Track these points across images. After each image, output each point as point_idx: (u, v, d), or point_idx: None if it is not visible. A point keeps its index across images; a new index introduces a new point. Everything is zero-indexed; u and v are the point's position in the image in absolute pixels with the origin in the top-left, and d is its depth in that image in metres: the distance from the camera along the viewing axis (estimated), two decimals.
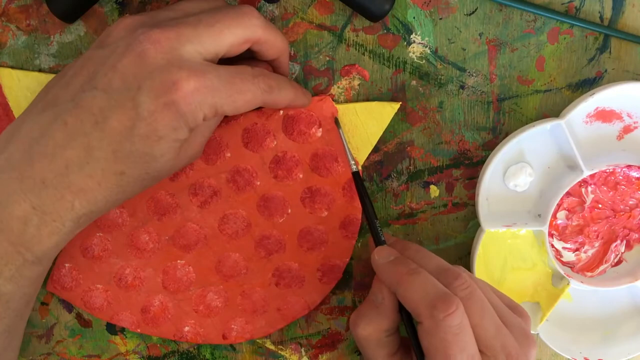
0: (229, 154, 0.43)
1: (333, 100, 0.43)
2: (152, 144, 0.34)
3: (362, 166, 0.44)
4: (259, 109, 0.43)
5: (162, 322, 0.46)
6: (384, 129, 0.43)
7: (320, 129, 0.43)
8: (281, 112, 0.43)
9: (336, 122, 0.43)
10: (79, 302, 0.45)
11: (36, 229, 0.35)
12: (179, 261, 0.45)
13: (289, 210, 0.45)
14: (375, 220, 0.42)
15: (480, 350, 0.36)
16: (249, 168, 0.44)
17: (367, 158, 0.44)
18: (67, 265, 0.44)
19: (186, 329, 0.46)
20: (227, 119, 0.43)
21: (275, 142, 0.43)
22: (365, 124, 0.43)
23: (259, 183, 0.44)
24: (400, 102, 0.43)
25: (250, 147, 0.43)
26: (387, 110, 0.43)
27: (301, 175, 0.44)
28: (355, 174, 0.43)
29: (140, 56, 0.34)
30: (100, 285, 0.45)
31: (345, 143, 0.43)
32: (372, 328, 0.38)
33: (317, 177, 0.44)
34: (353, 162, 0.43)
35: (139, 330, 0.46)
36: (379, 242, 0.41)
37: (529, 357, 0.38)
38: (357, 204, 0.44)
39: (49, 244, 0.36)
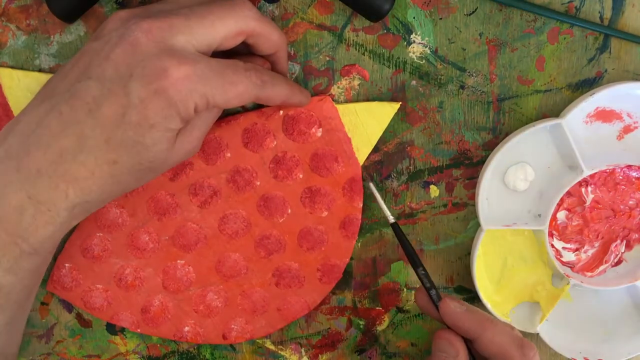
0: (228, 154, 0.43)
1: (333, 100, 0.43)
2: (143, 132, 0.34)
3: (363, 166, 0.44)
4: (258, 108, 0.43)
5: (162, 322, 0.46)
6: (384, 129, 0.43)
7: (320, 129, 0.43)
8: (281, 112, 0.43)
9: (364, 178, 0.44)
10: (79, 302, 0.45)
11: (32, 218, 0.35)
12: (178, 261, 0.45)
13: (289, 210, 0.45)
14: (420, 262, 0.42)
15: None
16: (249, 168, 0.44)
17: (367, 158, 0.44)
18: (67, 265, 0.44)
19: (186, 329, 0.46)
20: (227, 119, 0.43)
21: (276, 142, 0.43)
22: (365, 124, 0.43)
23: (258, 183, 0.44)
24: (400, 102, 0.43)
25: (250, 147, 0.43)
26: (387, 110, 0.43)
27: (301, 175, 0.44)
28: (394, 225, 0.43)
29: (133, 45, 0.34)
30: (100, 285, 0.45)
31: (378, 197, 0.43)
32: None
33: (317, 177, 0.44)
34: (390, 215, 0.43)
35: (139, 330, 0.46)
36: (429, 288, 0.42)
37: None
38: (357, 203, 0.44)
39: (44, 234, 0.36)
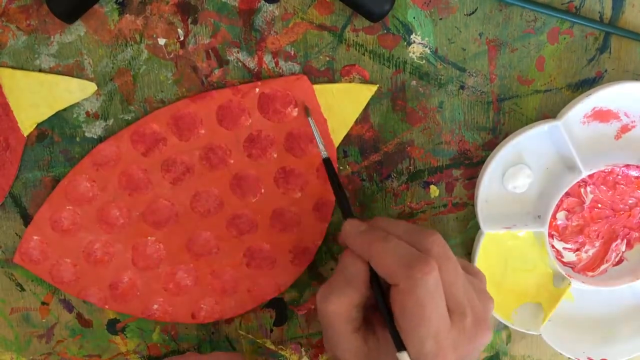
0: (202, 131, 0.43)
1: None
2: None
3: (361, 168, 0.44)
4: (234, 85, 0.43)
5: (130, 299, 0.46)
6: (360, 111, 0.43)
7: (296, 109, 0.42)
8: (257, 89, 0.42)
9: (306, 110, 0.43)
10: (47, 275, 0.45)
11: None
12: (149, 238, 0.45)
13: (262, 190, 0.44)
14: (345, 195, 0.41)
15: (449, 308, 0.36)
16: (223, 146, 0.43)
17: (367, 158, 0.44)
18: (35, 237, 0.44)
19: (155, 306, 0.46)
20: (201, 95, 0.42)
21: (250, 121, 0.43)
22: (341, 105, 0.43)
23: (232, 161, 0.43)
24: (378, 85, 0.43)
25: (225, 124, 0.43)
26: (364, 92, 0.43)
27: (275, 155, 0.43)
28: (326, 161, 0.42)
29: None
30: (69, 259, 0.44)
31: (315, 130, 0.42)
32: (344, 302, 0.37)
33: (292, 158, 0.43)
34: (323, 148, 0.42)
35: (106, 307, 0.46)
36: (349, 216, 0.40)
37: (488, 311, 0.39)
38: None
39: None
